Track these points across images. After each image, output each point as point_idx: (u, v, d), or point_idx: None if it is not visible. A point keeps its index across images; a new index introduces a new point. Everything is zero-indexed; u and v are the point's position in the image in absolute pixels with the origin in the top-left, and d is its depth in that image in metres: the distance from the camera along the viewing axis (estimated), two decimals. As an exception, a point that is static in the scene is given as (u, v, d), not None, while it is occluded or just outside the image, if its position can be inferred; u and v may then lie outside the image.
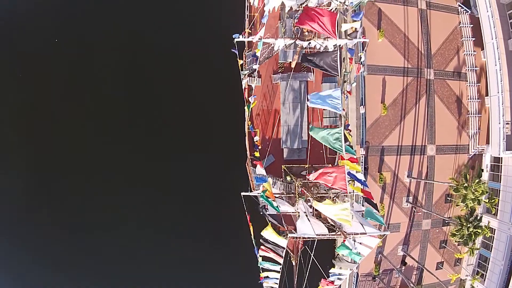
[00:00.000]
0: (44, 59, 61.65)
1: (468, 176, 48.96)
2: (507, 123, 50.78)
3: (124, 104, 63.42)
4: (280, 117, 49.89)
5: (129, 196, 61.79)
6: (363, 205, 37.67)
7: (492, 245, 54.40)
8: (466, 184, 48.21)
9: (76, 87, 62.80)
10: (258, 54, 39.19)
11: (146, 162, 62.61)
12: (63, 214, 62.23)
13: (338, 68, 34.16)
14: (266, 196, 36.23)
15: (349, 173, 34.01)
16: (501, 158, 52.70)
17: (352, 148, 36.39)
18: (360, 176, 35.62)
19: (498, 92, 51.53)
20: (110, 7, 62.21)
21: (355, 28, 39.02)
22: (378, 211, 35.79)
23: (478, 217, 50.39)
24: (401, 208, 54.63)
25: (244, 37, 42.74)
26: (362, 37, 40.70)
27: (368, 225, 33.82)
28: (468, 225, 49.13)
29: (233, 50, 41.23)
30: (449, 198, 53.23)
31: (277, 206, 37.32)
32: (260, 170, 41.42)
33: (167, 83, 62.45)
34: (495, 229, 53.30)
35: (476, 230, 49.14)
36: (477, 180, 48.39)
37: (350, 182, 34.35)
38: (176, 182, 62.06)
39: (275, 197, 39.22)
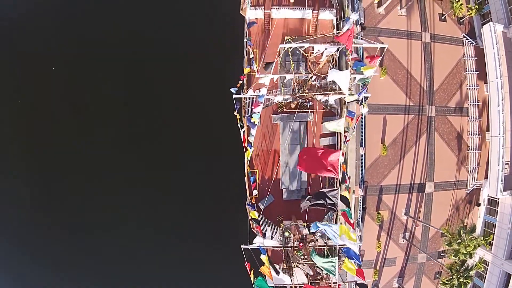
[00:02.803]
0: (44, 59, 61.70)
1: (462, 232, 48.50)
2: (506, 163, 49.84)
3: (124, 104, 63.41)
4: (279, 157, 50.05)
5: (129, 196, 61.78)
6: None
7: (485, 276, 53.93)
8: (459, 240, 47.69)
9: (76, 87, 62.83)
10: (256, 123, 39.74)
11: (146, 162, 62.62)
12: (63, 214, 62.34)
13: (338, 202, 34.64)
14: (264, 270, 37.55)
15: (345, 251, 34.96)
16: (499, 194, 53.07)
17: (350, 211, 36.72)
18: (355, 247, 35.91)
19: (499, 134, 49.84)
20: (110, 7, 62.28)
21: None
22: None
23: (469, 267, 50.27)
24: (398, 243, 54.25)
25: (243, 93, 44.21)
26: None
27: None
28: (459, 276, 49.28)
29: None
30: (445, 234, 53.32)
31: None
32: (259, 239, 41.27)
33: (167, 83, 62.45)
34: (488, 262, 52.95)
35: (466, 280, 49.15)
36: (470, 236, 47.55)
37: (343, 261, 35.05)
38: (176, 182, 61.94)
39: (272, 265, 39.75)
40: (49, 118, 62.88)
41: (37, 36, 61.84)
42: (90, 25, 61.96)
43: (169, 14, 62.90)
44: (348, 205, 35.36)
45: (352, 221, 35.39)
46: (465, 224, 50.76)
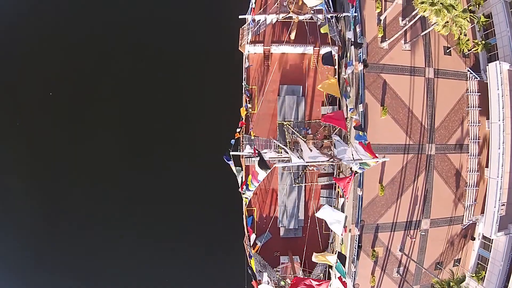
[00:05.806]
0: (44, 59, 61.31)
1: (452, 283, 48.51)
2: (503, 205, 49.76)
3: (125, 105, 63.08)
4: (277, 196, 50.44)
5: (129, 197, 62.28)
6: None
7: (477, 308, 55.42)
8: None
9: (75, 87, 62.67)
10: (251, 189, 39.89)
11: (146, 163, 63.16)
12: (63, 214, 62.98)
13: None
14: None
15: None
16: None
17: (344, 269, 37.33)
18: None
19: (497, 176, 49.76)
20: (111, 7, 61.69)
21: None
22: None
23: None
24: (392, 277, 54.44)
25: (240, 150, 44.13)
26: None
27: None
28: None
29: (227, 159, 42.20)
30: (439, 266, 53.76)
31: None
32: None
33: (167, 83, 62.36)
34: (481, 294, 54.31)
35: None
36: None
37: None
38: (176, 183, 61.98)
39: None
40: (49, 118, 62.90)
41: (37, 36, 61.46)
42: (90, 25, 61.57)
43: (170, 14, 62.27)
44: (343, 262, 36.33)
45: (344, 279, 36.47)
46: (458, 258, 50.97)
